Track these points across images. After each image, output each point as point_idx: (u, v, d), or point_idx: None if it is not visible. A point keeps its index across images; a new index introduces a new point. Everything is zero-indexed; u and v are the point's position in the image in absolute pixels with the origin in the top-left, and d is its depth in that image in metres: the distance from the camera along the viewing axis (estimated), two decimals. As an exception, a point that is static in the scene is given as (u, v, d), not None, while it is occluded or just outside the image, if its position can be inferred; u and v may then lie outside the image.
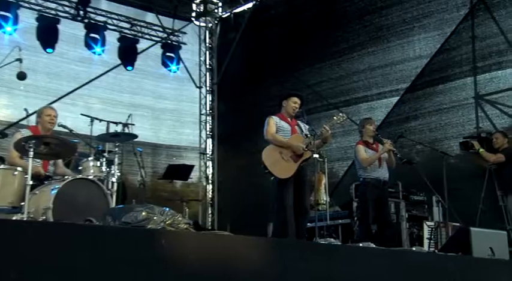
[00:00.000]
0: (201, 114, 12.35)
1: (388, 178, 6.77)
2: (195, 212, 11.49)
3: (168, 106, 11.95)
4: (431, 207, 7.87)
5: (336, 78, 9.75)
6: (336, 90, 9.71)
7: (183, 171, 8.46)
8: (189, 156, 12.23)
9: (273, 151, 5.67)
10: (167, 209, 3.94)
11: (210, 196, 12.12)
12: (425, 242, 6.71)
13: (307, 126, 5.93)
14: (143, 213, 3.74)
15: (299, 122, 6.01)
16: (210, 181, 12.13)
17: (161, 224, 3.74)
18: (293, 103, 5.94)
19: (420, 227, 7.70)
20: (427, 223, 6.86)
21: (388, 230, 6.62)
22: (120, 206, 4.04)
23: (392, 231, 6.71)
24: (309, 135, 5.73)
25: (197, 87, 12.39)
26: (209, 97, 12.48)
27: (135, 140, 5.94)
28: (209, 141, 12.34)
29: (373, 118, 7.23)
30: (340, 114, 6.01)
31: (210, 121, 12.39)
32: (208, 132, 12.35)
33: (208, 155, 12.26)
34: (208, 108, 12.42)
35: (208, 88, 12.51)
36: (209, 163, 12.27)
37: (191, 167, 8.75)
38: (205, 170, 12.17)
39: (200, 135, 12.27)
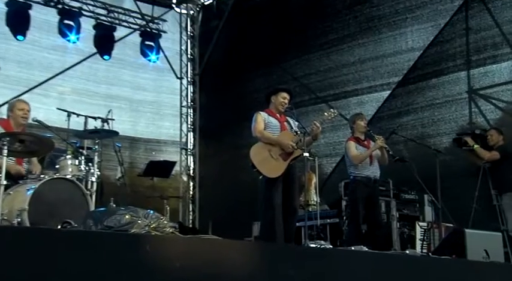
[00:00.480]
0: (181, 106, 12.30)
1: (379, 176, 6.84)
2: (176, 209, 11.49)
3: (147, 98, 11.88)
4: (423, 206, 7.98)
5: (324, 70, 9.77)
6: (325, 83, 9.74)
7: (165, 168, 8.43)
8: (169, 150, 12.18)
9: (262, 149, 5.68)
10: (151, 212, 3.93)
11: (191, 193, 12.08)
12: (418, 243, 6.79)
13: (296, 123, 5.95)
14: (126, 216, 3.73)
15: (288, 118, 6.03)
16: (191, 177, 12.10)
17: (146, 228, 3.73)
18: (282, 99, 5.96)
19: (411, 227, 7.79)
20: (420, 223, 6.95)
21: (379, 231, 6.69)
22: (102, 209, 4.02)
23: (382, 231, 6.80)
24: (298, 132, 5.74)
25: (178, 78, 12.32)
26: (190, 88, 12.42)
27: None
28: (190, 135, 12.28)
29: (364, 113, 7.25)
30: (331, 110, 6.04)
31: (192, 114, 12.33)
32: (189, 126, 12.30)
33: (189, 150, 12.22)
34: (189, 100, 12.37)
35: (189, 79, 12.42)
36: (190, 158, 12.23)
37: (173, 163, 8.72)
38: (186, 165, 12.13)
39: (181, 129, 12.22)
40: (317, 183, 7.11)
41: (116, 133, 5.69)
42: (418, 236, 6.79)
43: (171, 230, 3.86)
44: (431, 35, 8.65)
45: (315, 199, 7.08)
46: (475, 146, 7.29)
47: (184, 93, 12.36)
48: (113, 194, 7.22)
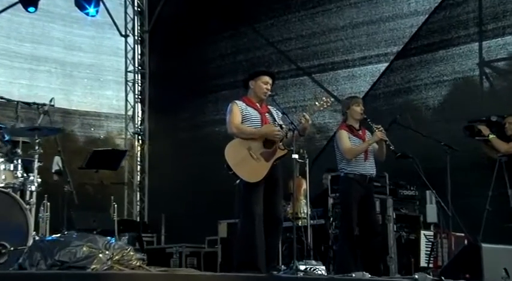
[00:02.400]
0: (127, 71, 12.17)
1: (375, 173, 6.93)
2: (120, 199, 11.46)
3: (83, 60, 11.73)
4: (424, 204, 8.15)
5: (307, 35, 9.71)
6: (308, 52, 9.71)
7: (112, 158, 8.37)
8: (111, 126, 12.12)
9: (239, 147, 5.69)
10: (113, 240, 3.93)
11: (138, 179, 12.08)
12: (422, 254, 6.96)
13: (280, 114, 5.95)
14: (84, 249, 3.72)
15: (270, 107, 6.03)
16: (138, 159, 12.03)
17: (108, 262, 3.73)
18: (263, 84, 5.94)
19: (411, 230, 7.96)
20: (425, 232, 7.10)
21: (375, 239, 6.81)
22: (53, 237, 3.97)
23: (378, 240, 6.90)
24: (283, 126, 5.76)
25: (122, 35, 12.14)
26: (138, 49, 12.28)
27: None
28: (138, 107, 12.21)
29: (358, 94, 7.31)
30: (324, 98, 6.05)
31: (139, 81, 12.23)
32: (136, 96, 12.19)
33: (136, 126, 12.11)
34: (136, 64, 12.22)
35: (136, 37, 12.27)
36: (137, 136, 12.16)
37: (122, 153, 8.66)
38: (133, 145, 12.04)
39: (126, 100, 12.11)
40: (308, 190, 7.16)
41: (60, 130, 5.58)
42: (423, 247, 6.94)
43: (138, 264, 3.87)
44: (440, -4, 8.73)
45: (305, 211, 7.14)
46: (491, 136, 7.42)
47: (130, 55, 12.21)
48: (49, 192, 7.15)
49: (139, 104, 12.22)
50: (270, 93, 5.95)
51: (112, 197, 8.51)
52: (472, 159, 8.02)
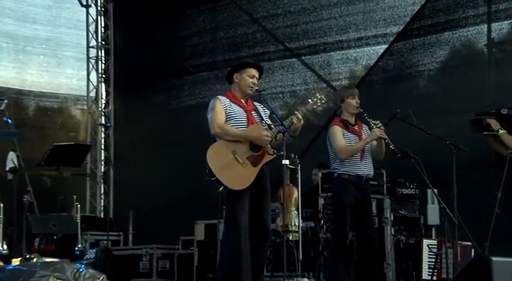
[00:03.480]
0: (89, 47, 12.12)
1: (372, 174, 6.96)
2: (82, 193, 11.45)
3: (38, 34, 11.68)
4: (424, 204, 8.22)
5: (296, 12, 9.70)
6: (297, 30, 9.70)
7: (76, 153, 8.32)
8: (70, 110, 12.07)
9: (223, 150, 5.69)
10: (83, 268, 3.91)
11: (103, 169, 12.04)
12: (424, 265, 7.03)
13: (267, 112, 5.95)
14: (50, 280, 3.69)
15: (257, 104, 6.02)
16: (102, 147, 11.96)
17: (78, 295, 3.71)
18: (249, 77, 5.91)
19: (410, 233, 8.07)
20: (428, 242, 7.15)
21: (371, 247, 6.86)
22: (14, 266, 3.94)
23: (374, 248, 6.95)
24: (272, 126, 5.76)
25: (83, 5, 12.07)
26: (101, 21, 12.19)
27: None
28: (102, 88, 12.14)
29: (354, 88, 7.24)
30: (318, 95, 6.03)
31: (104, 58, 12.16)
32: (100, 75, 12.14)
33: (100, 109, 12.03)
34: (100, 39, 12.16)
35: (100, 8, 12.18)
36: (101, 120, 12.12)
37: (87, 148, 8.61)
38: (96, 131, 11.97)
39: (88, 79, 12.08)
40: (299, 200, 7.17)
41: (16, 135, 5.53)
42: (425, 257, 7.01)
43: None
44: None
45: (297, 223, 7.16)
46: (501, 131, 7.46)
47: (92, 29, 12.14)
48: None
49: (103, 85, 12.15)
50: (257, 88, 5.91)
51: (74, 196, 8.40)
52: (478, 155, 8.08)
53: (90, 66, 12.11)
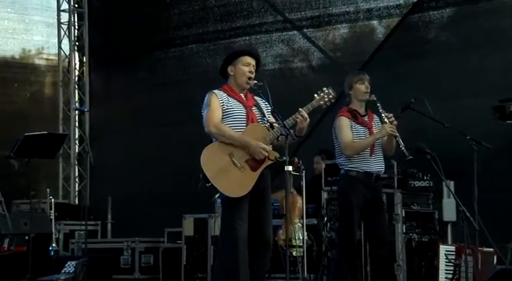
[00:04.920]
0: (60, 10, 12.12)
1: (383, 170, 7.05)
2: (54, 176, 11.54)
3: (2, -5, 11.61)
4: (439, 197, 8.33)
5: (297, -23, 9.66)
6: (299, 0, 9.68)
7: (49, 143, 8.36)
8: (39, 82, 12.13)
9: (219, 152, 5.74)
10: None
11: (77, 150, 12.10)
12: (441, 274, 7.11)
13: (269, 107, 5.97)
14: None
15: (257, 98, 6.06)
16: (76, 125, 12.00)
17: None
18: (245, 66, 5.96)
19: (424, 230, 8.17)
20: (445, 248, 7.22)
21: (382, 251, 6.99)
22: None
23: (386, 251, 7.07)
24: (275, 124, 5.81)
25: (53, -38, 12.00)
26: (75, -22, 12.14)
27: None
28: (75, 57, 12.16)
29: (362, 73, 7.23)
30: (325, 89, 6.05)
31: (77, 24, 12.17)
32: (73, 42, 12.14)
33: (73, 81, 12.05)
34: (72, 2, 12.12)
35: (72, -35, 12.11)
36: (75, 92, 12.16)
37: (62, 137, 8.66)
38: (69, 108, 12.06)
39: (60, 47, 12.10)
40: (304, 210, 7.26)
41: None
42: (442, 265, 7.10)
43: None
44: None
45: (301, 237, 7.26)
46: (526, 119, 7.58)
47: (64, -12, 12.05)
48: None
49: (76, 54, 12.16)
50: (256, 82, 5.94)
51: (48, 190, 8.47)
52: (501, 144, 8.17)
53: (62, 32, 12.09)
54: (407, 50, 9.16)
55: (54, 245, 9.13)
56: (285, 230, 6.69)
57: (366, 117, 7.00)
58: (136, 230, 10.48)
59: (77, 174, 12.12)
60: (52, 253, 8.99)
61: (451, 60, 8.82)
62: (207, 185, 5.73)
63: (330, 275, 7.57)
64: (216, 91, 5.97)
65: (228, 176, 5.70)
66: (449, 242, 8.41)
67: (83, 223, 9.05)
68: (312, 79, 9.67)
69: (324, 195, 8.19)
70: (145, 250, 9.77)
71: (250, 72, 5.96)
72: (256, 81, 5.97)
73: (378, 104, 6.87)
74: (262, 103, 6.05)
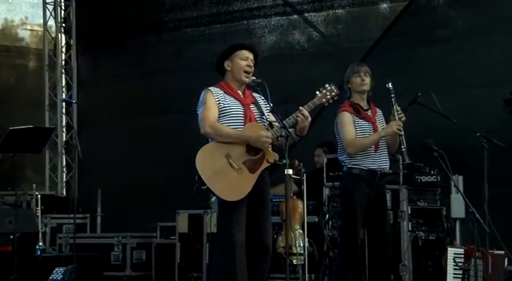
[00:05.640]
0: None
1: (388, 168, 7.08)
2: (40, 166, 11.56)
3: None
4: (447, 193, 8.35)
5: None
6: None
7: (36, 138, 8.37)
8: (23, 66, 12.11)
9: (215, 153, 5.76)
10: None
11: (64, 138, 12.13)
12: (449, 278, 7.14)
13: (268, 105, 5.99)
14: None
15: (256, 95, 6.07)
16: (63, 111, 11.99)
17: None
18: (242, 60, 5.97)
19: (431, 228, 8.19)
20: (453, 251, 7.23)
21: (385, 253, 7.03)
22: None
23: (389, 253, 7.12)
24: (274, 124, 5.83)
25: None
26: None
27: None
28: (61, 38, 12.17)
29: (362, 63, 7.24)
30: (327, 85, 6.05)
31: (63, 4, 12.17)
32: (59, 24, 12.11)
33: (60, 66, 12.03)
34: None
35: None
36: (62, 77, 12.15)
37: (49, 131, 8.66)
38: (55, 93, 12.05)
39: (45, 29, 12.05)
40: (305, 216, 7.28)
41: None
42: (450, 269, 7.11)
43: None
44: None
45: (302, 245, 7.28)
46: (540, 114, 7.60)
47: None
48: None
49: (63, 36, 12.11)
50: (254, 78, 5.95)
51: (34, 185, 8.50)
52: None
53: (48, 13, 12.03)
54: (415, 37, 9.12)
55: (41, 244, 9.12)
56: (284, 237, 6.68)
57: (369, 111, 7.05)
58: (128, 224, 10.52)
59: (64, 164, 12.13)
60: (39, 253, 8.97)
61: (461, 48, 8.80)
62: (203, 187, 5.73)
63: (332, 276, 7.63)
64: (211, 88, 5.98)
65: (225, 179, 5.71)
66: (458, 240, 8.46)
67: (71, 216, 9.04)
68: (313, 66, 9.64)
69: (326, 191, 8.22)
70: (137, 246, 9.80)
71: (248, 66, 5.97)
72: (254, 78, 5.97)
73: (393, 95, 6.90)
74: (261, 100, 6.06)
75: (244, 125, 5.90)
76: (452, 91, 8.60)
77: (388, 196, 7.86)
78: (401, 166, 8.01)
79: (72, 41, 12.13)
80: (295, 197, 7.30)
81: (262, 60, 8.62)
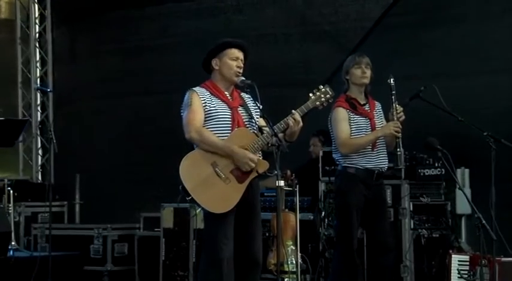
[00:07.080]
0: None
1: (386, 167, 7.17)
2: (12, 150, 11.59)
3: None
4: (452, 187, 8.41)
5: None
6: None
7: (7, 130, 8.41)
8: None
9: (201, 161, 5.83)
10: None
11: (39, 118, 12.20)
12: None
13: (256, 107, 6.05)
14: None
15: (245, 96, 6.14)
16: (39, 93, 12.04)
17: None
18: (232, 60, 6.01)
19: (434, 225, 8.27)
20: (458, 257, 7.25)
21: (385, 257, 7.13)
22: None
23: (390, 256, 7.20)
24: (264, 130, 5.91)
25: None
26: None
27: None
28: (35, 11, 12.12)
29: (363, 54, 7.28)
30: (321, 87, 6.10)
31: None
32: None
33: (33, 38, 12.07)
34: None
35: None
36: (37, 56, 12.17)
37: (22, 123, 8.70)
38: (29, 68, 12.09)
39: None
40: (297, 231, 7.30)
41: None
42: (454, 275, 7.16)
43: None
44: None
45: (294, 262, 7.32)
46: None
47: None
48: None
49: (36, 6, 12.11)
50: (243, 79, 6.00)
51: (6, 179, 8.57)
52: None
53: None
54: (418, 17, 9.13)
55: (13, 243, 9.15)
56: (275, 254, 6.74)
57: (367, 105, 7.12)
58: (109, 213, 10.56)
59: (39, 146, 12.09)
60: (12, 253, 8.99)
61: (473, 29, 8.79)
62: (187, 198, 5.82)
63: (328, 278, 7.75)
64: (197, 89, 6.03)
65: (211, 189, 5.77)
66: (464, 238, 8.56)
67: (47, 204, 9.06)
68: (308, 47, 9.62)
69: (321, 186, 8.33)
70: (118, 238, 9.83)
71: (239, 67, 6.01)
72: (244, 78, 6.02)
73: (393, 91, 6.95)
74: (250, 101, 6.11)
75: (231, 129, 5.95)
76: (458, 77, 8.66)
77: (389, 192, 7.97)
78: (402, 161, 8.02)
79: (47, 12, 12.01)
80: (287, 210, 7.32)
81: (254, 40, 8.75)
